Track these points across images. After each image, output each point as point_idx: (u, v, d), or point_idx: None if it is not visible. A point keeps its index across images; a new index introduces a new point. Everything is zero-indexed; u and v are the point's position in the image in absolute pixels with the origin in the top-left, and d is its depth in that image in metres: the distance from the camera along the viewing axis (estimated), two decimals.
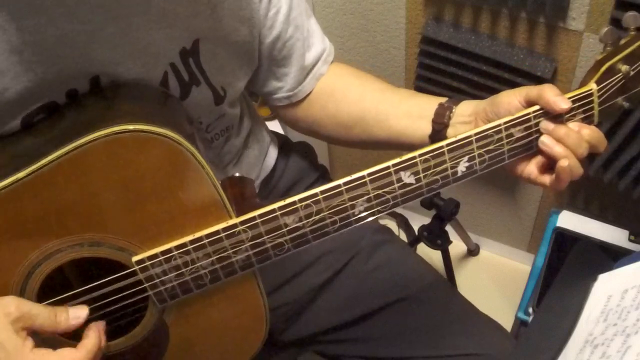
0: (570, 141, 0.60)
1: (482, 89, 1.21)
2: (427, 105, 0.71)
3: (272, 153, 0.88)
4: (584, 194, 1.38)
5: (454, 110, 0.69)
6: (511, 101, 0.62)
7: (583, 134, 0.60)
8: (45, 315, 0.54)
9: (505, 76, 1.16)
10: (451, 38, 1.18)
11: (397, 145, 0.75)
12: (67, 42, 0.54)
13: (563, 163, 0.59)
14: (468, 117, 0.67)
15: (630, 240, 1.17)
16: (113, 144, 0.50)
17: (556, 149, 0.60)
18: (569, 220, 1.22)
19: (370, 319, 0.83)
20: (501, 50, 1.15)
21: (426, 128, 0.71)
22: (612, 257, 0.76)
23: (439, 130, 0.69)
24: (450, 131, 0.69)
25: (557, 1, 1.04)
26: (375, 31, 1.35)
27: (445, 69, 1.23)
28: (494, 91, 0.67)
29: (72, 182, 0.52)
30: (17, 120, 0.56)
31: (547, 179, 0.62)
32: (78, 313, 0.56)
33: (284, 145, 0.93)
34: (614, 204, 1.35)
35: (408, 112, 0.73)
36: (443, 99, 0.71)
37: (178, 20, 0.61)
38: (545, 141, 0.60)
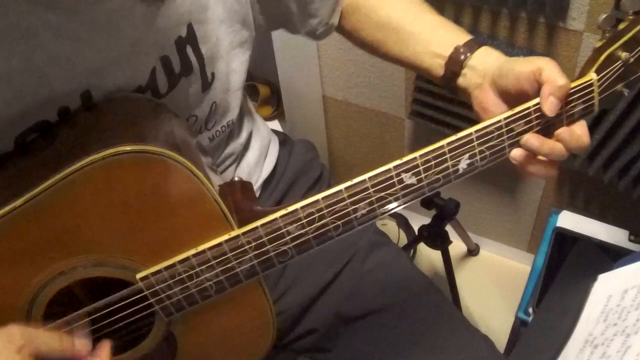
0: (555, 154, 0.59)
1: None
2: (445, 43, 0.69)
3: (273, 153, 0.88)
4: (584, 194, 1.38)
5: (468, 57, 0.67)
6: (521, 75, 0.61)
7: (565, 142, 0.59)
8: (48, 340, 0.53)
9: None
10: None
11: (418, 73, 0.75)
12: (56, 61, 0.53)
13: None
14: (480, 79, 0.66)
15: (630, 240, 1.17)
16: (111, 166, 0.50)
17: (529, 168, 0.60)
18: (569, 220, 1.21)
19: (360, 324, 0.82)
20: (501, 50, 1.15)
21: (440, 68, 0.69)
22: (612, 257, 0.76)
23: (450, 77, 0.68)
24: (461, 81, 0.68)
25: (557, 1, 1.04)
26: None
27: None
28: None
29: (72, 205, 0.51)
30: (10, 142, 0.55)
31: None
32: (83, 345, 0.56)
33: (284, 143, 0.92)
34: (614, 204, 1.35)
35: (425, 47, 0.71)
36: (462, 39, 0.69)
37: (162, 8, 0.59)
38: (517, 158, 0.60)
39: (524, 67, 0.60)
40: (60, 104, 0.56)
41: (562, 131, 0.60)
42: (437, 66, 0.70)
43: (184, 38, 0.62)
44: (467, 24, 1.18)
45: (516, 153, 0.60)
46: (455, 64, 0.67)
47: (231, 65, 0.70)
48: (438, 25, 0.73)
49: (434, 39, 0.71)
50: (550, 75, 0.58)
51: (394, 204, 0.58)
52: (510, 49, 1.15)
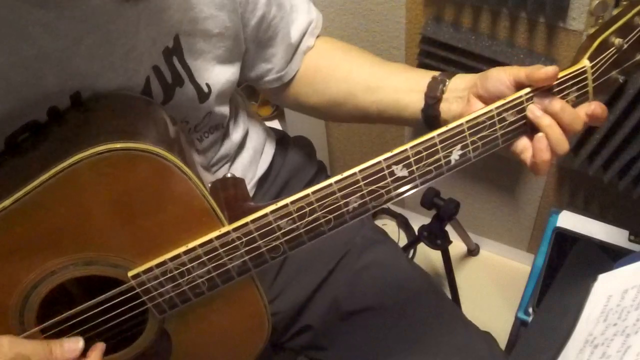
0: (566, 116, 0.58)
1: None
2: (419, 78, 0.70)
3: (269, 151, 0.88)
4: (584, 194, 1.38)
5: (447, 84, 0.68)
6: (500, 77, 0.61)
7: (580, 113, 0.59)
8: (39, 351, 0.53)
9: None
10: (451, 38, 1.18)
11: (389, 120, 0.74)
12: (47, 59, 0.54)
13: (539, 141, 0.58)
14: (461, 92, 0.66)
15: (630, 240, 1.17)
16: (100, 164, 0.50)
17: (543, 120, 0.58)
18: (569, 220, 1.22)
19: (356, 321, 0.82)
20: (501, 50, 1.15)
21: (418, 102, 0.69)
22: (612, 257, 0.76)
23: (431, 104, 0.68)
24: (443, 106, 0.68)
25: (557, 1, 1.04)
26: (375, 31, 1.35)
27: (445, 69, 1.23)
28: None
29: (62, 204, 0.51)
30: (0, 142, 0.56)
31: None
32: (73, 346, 0.56)
33: (281, 141, 0.92)
34: (614, 204, 1.35)
35: (398, 86, 0.72)
36: (437, 73, 0.70)
37: (154, 17, 0.60)
38: (534, 110, 0.58)
39: (501, 72, 0.61)
40: (50, 103, 0.56)
41: (591, 106, 0.59)
42: (415, 100, 0.70)
43: (170, 49, 0.63)
44: (467, 23, 1.18)
45: (534, 107, 0.59)
46: (435, 90, 0.68)
47: (221, 78, 0.70)
48: (405, 68, 0.75)
49: (407, 78, 0.72)
50: (525, 68, 0.58)
51: (386, 197, 0.58)
52: (510, 49, 1.15)
